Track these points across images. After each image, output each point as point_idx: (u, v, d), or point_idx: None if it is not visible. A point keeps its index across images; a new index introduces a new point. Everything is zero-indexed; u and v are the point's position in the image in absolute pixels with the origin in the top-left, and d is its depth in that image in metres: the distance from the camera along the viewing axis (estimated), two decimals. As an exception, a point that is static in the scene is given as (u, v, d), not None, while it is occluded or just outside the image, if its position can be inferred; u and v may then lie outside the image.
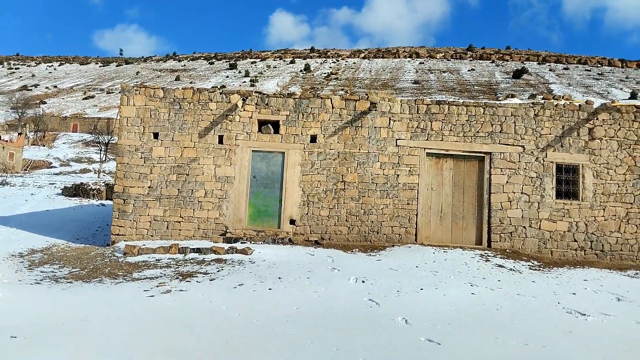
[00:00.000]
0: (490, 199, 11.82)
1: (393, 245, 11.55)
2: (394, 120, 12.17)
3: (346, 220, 12.00)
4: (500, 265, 10.05)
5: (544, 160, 11.76)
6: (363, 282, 8.28)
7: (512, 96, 13.50)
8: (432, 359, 5.15)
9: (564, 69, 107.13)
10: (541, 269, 10.26)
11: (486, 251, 11.27)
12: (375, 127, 12.18)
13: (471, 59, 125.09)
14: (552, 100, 12.10)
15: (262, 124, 12.37)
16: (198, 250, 10.30)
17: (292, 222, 12.01)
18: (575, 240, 11.61)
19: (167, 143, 12.20)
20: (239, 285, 7.95)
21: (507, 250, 11.47)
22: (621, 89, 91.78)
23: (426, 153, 12.09)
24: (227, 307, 6.92)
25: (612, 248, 11.54)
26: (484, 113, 12.00)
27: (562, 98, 12.26)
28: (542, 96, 13.57)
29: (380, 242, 11.82)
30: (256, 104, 12.35)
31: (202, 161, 12.20)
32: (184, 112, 12.27)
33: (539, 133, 11.80)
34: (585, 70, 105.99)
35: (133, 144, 12.22)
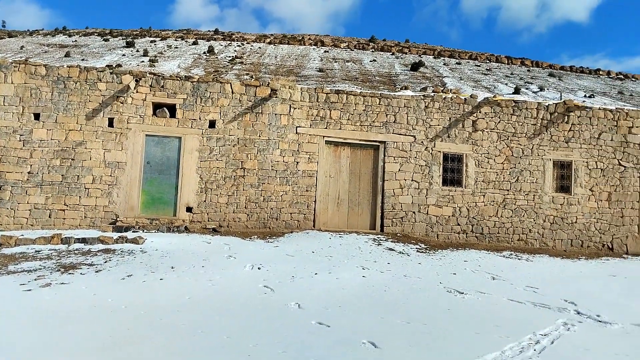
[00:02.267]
0: (384, 186, 12.37)
1: (292, 232, 11.69)
2: (295, 108, 12.25)
3: (245, 207, 11.92)
4: (390, 249, 10.59)
5: (432, 150, 12.52)
6: (259, 268, 8.31)
7: (406, 88, 14.18)
8: (321, 341, 5.31)
9: (457, 63, 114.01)
10: (427, 251, 10.97)
11: (379, 235, 11.81)
12: (275, 114, 12.18)
13: (373, 49, 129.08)
14: (441, 94, 12.89)
15: (157, 107, 11.84)
16: (84, 241, 9.67)
17: (189, 209, 11.70)
18: (459, 224, 12.54)
19: (50, 125, 11.26)
20: (128, 276, 7.61)
21: (398, 234, 12.11)
22: (506, 84, 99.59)
23: (325, 141, 12.33)
24: (113, 299, 6.59)
25: (491, 231, 12.63)
26: (379, 103, 12.47)
27: (451, 92, 13.10)
28: (432, 89, 14.39)
29: (280, 229, 11.91)
30: (151, 85, 11.79)
31: (89, 145, 11.43)
32: (70, 92, 11.38)
33: (429, 124, 12.53)
34: (476, 65, 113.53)
35: (10, 126, 11.14)
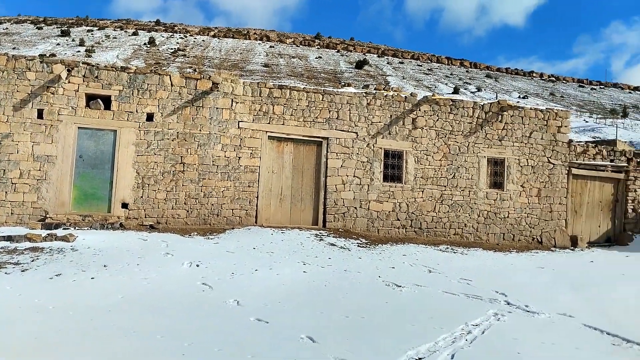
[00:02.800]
0: (327, 181, 12.44)
1: (233, 228, 11.52)
2: (237, 102, 12.06)
3: (185, 203, 11.63)
4: (332, 244, 10.67)
5: (374, 146, 12.71)
6: (197, 265, 8.12)
7: (349, 85, 14.30)
8: (259, 337, 5.26)
9: (400, 63, 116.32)
10: (368, 246, 11.14)
11: (321, 231, 11.86)
12: (217, 108, 11.94)
13: (319, 46, 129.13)
14: (383, 91, 13.10)
15: (90, 98, 11.32)
16: (9, 239, 9.09)
17: (125, 205, 11.27)
18: (399, 219, 12.82)
19: (-29, 115, 10.50)
20: (57, 275, 7.22)
21: (340, 230, 12.23)
22: (446, 84, 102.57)
23: (268, 136, 12.23)
24: (40, 300, 6.23)
25: (429, 226, 13.00)
26: (322, 100, 12.51)
27: (392, 90, 13.33)
28: (374, 86, 14.60)
29: (221, 225, 11.71)
30: (84, 76, 11.24)
31: (17, 138, 10.76)
32: (-6, 81, 10.65)
33: (371, 121, 12.71)
34: (418, 65, 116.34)
35: None
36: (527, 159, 13.62)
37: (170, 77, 11.81)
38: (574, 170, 13.88)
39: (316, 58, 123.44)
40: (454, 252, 11.50)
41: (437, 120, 13.14)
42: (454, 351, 5.12)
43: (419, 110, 13.02)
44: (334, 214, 12.43)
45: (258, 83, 12.37)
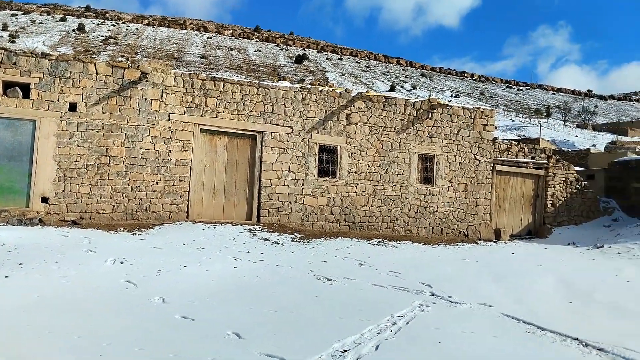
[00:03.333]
0: (261, 176, 12.33)
1: (163, 223, 11.17)
2: (167, 93, 11.67)
3: (111, 198, 11.14)
4: (265, 239, 10.61)
5: (309, 141, 12.74)
6: (122, 263, 7.80)
7: (284, 79, 14.23)
8: (183, 335, 5.12)
9: (339, 59, 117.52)
10: (302, 240, 11.17)
11: (255, 226, 11.76)
12: (146, 99, 11.49)
13: (258, 39, 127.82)
14: (318, 86, 13.16)
15: (8, 86, 10.56)
16: None
17: (45, 200, 10.62)
18: (333, 214, 12.95)
19: None
20: (-36, 275, 6.69)
21: (275, 225, 12.18)
22: (383, 81, 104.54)
23: (200, 129, 11.93)
24: (-58, 302, 5.75)
25: (362, 220, 13.22)
26: (257, 93, 12.37)
27: (327, 85, 13.41)
28: (310, 81, 14.63)
29: (150, 221, 11.32)
30: (1, 62, 10.47)
31: None
32: None
33: (306, 116, 12.72)
34: (356, 62, 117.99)
35: None
36: (455, 156, 14.16)
37: (95, 66, 11.23)
38: (498, 167, 14.59)
39: (255, 51, 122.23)
40: (385, 246, 11.77)
41: (371, 116, 13.36)
42: (379, 342, 5.23)
43: (354, 106, 13.18)
44: (268, 209, 12.36)
45: (190, 74, 12.04)
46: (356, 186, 13.19)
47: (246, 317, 5.90)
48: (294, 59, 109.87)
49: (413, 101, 13.88)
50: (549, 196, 15.18)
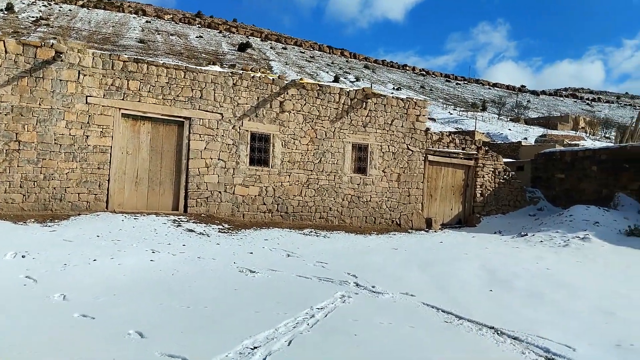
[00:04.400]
0: (189, 164, 11.80)
1: (79, 214, 10.44)
2: (85, 75, 10.87)
3: (21, 187, 10.26)
4: (190, 230, 10.13)
5: (240, 129, 12.30)
6: (23, 257, 7.13)
7: (214, 63, 13.67)
8: (78, 336, 4.66)
9: (283, 48, 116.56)
10: (230, 231, 10.78)
11: (182, 216, 11.24)
12: (61, 80, 10.65)
13: (200, 25, 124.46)
14: (250, 72, 12.71)
15: None
16: None
17: (-59, 188, 9.63)
18: (265, 204, 12.62)
19: None
20: None
21: (203, 215, 11.70)
22: (327, 72, 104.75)
23: (122, 114, 11.22)
24: None
25: (295, 210, 12.98)
26: (184, 77, 11.78)
27: (259, 71, 13.00)
28: (241, 66, 14.16)
29: (65, 211, 10.54)
30: None
31: None
32: None
33: (237, 102, 12.26)
34: (301, 52, 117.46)
35: None
36: (388, 146, 14.18)
37: (4, 44, 10.26)
38: (430, 157, 14.76)
39: (197, 37, 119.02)
40: (317, 236, 11.59)
41: (305, 104, 13.09)
42: (293, 337, 5.00)
43: (287, 93, 12.86)
44: (196, 199, 11.85)
45: (110, 55, 11.27)
46: (289, 175, 12.92)
47: (154, 313, 5.49)
48: (237, 46, 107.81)
49: (347, 90, 13.73)
50: (479, 186, 15.55)
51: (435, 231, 14.22)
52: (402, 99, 14.48)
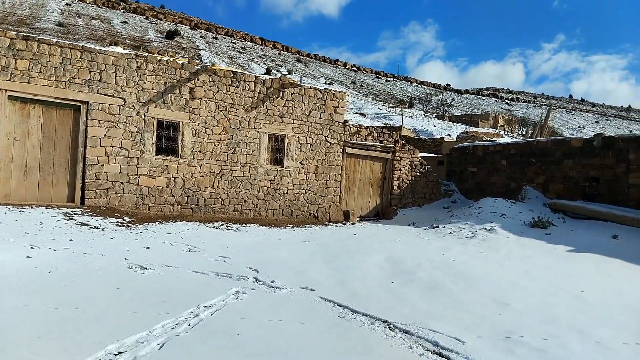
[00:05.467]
0: (86, 153, 10.88)
1: (-46, 206, 9.29)
2: (-37, 51, 9.67)
3: None
4: (83, 224, 9.30)
5: (145, 115, 11.52)
6: None
7: (116, 44, 12.75)
8: None
9: (214, 38, 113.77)
10: (130, 225, 10.04)
11: (77, 209, 10.34)
12: None
13: (125, 10, 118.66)
14: (156, 55, 11.93)
15: None
16: None
17: None
18: (173, 196, 11.93)
19: None
20: None
21: (102, 207, 10.85)
22: (259, 64, 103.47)
23: (8, 96, 10.11)
24: None
25: (207, 202, 12.39)
26: (81, 57, 10.82)
27: (167, 55, 12.23)
28: (147, 50, 13.30)
29: (-64, 203, 9.34)
30: None
31: None
32: None
33: (141, 87, 11.46)
34: (232, 42, 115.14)
35: None
36: (306, 137, 13.90)
37: None
38: (348, 149, 14.65)
39: (121, 22, 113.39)
40: (228, 229, 11.10)
41: (218, 92, 12.50)
42: (167, 339, 4.53)
43: (198, 79, 12.20)
44: (95, 190, 10.96)
45: (-7, 29, 10.12)
46: (200, 166, 12.29)
47: (14, 316, 4.83)
48: (165, 34, 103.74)
49: (263, 79, 13.28)
50: (396, 179, 15.67)
51: (352, 224, 14.14)
52: (319, 90, 14.24)
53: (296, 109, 13.70)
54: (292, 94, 13.62)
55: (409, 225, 13.74)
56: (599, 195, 12.88)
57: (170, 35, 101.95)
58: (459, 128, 50.77)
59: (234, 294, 6.19)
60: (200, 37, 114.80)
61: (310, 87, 14.10)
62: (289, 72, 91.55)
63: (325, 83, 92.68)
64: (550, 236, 11.01)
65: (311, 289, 6.65)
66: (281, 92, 13.43)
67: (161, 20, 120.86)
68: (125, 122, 11.27)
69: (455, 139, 30.93)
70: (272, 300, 6.07)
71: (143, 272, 6.91)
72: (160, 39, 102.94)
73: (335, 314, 5.70)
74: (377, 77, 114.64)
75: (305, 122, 13.87)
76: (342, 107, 14.55)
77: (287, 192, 13.65)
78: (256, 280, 6.93)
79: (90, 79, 10.87)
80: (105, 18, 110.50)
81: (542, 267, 8.63)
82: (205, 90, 12.29)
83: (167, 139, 11.87)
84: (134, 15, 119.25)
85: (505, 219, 12.15)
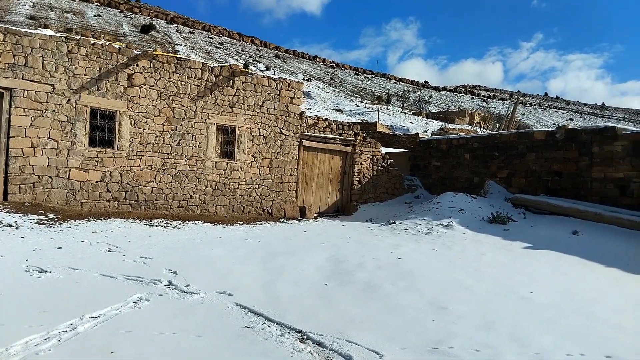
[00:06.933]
0: (10, 144, 9.94)
1: None
2: None
3: None
4: (-6, 221, 8.40)
5: (77, 104, 10.61)
6: None
7: (46, 27, 11.79)
8: None
9: (190, 32, 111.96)
10: (53, 222, 9.16)
11: (-5, 205, 9.40)
12: None
13: (99, 4, 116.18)
14: (90, 38, 11.02)
15: None
16: None
17: None
18: (109, 191, 11.05)
19: None
20: None
21: (27, 204, 9.92)
22: (237, 59, 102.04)
23: None
24: None
25: (147, 198, 11.53)
26: (4, 40, 9.86)
27: (103, 39, 11.34)
28: (80, 32, 12.36)
29: None
30: None
31: None
32: None
33: (73, 72, 10.55)
34: (209, 37, 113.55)
35: None
36: (259, 129, 13.12)
37: None
38: (306, 142, 13.92)
39: (95, 16, 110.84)
40: (166, 227, 10.27)
41: (160, 79, 11.63)
42: (22, 359, 3.76)
43: (137, 65, 11.32)
44: (19, 184, 10.03)
45: None
46: (140, 159, 11.43)
47: None
48: (140, 28, 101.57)
49: (212, 66, 12.44)
50: (356, 173, 15.00)
51: (308, 220, 13.41)
52: (274, 79, 13.46)
53: (248, 99, 12.90)
54: (243, 82, 12.82)
55: (366, 221, 13.07)
56: (562, 190, 12.37)
57: (146, 29, 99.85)
58: (436, 125, 50.53)
59: (134, 301, 5.41)
60: (177, 31, 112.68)
61: (264, 76, 13.31)
62: (267, 68, 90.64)
63: (304, 79, 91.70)
64: (508, 232, 10.43)
65: (229, 294, 5.90)
66: (231, 81, 12.62)
67: (136, 14, 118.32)
68: (54, 110, 10.34)
69: (430, 135, 30.46)
70: (177, 309, 5.30)
71: (40, 276, 6.07)
72: (135, 32, 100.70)
73: (243, 324, 4.96)
74: (356, 73, 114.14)
75: (258, 113, 13.08)
76: (298, 98, 13.80)
77: (238, 187, 12.85)
78: (169, 285, 6.15)
79: (14, 63, 9.92)
80: (78, 11, 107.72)
81: (494, 265, 8.02)
82: (145, 77, 11.42)
83: (103, 130, 10.97)
84: (109, 8, 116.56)
85: (464, 214, 11.56)
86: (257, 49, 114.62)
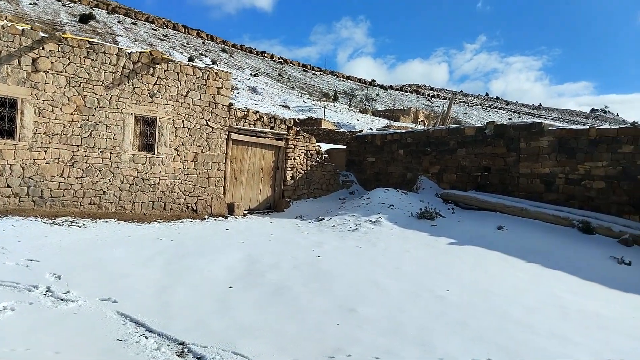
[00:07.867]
0: None
1: None
2: None
3: None
4: None
5: (-32, 89, 9.50)
6: None
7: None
8: None
9: (133, 23, 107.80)
10: None
11: None
12: None
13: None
14: (-15, 17, 9.92)
15: None
16: None
17: None
18: (9, 186, 9.99)
19: None
20: None
21: None
22: (182, 52, 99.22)
23: None
24: None
25: (54, 194, 10.54)
26: None
27: (5, 18, 10.26)
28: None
29: None
30: None
31: None
32: None
33: (-37, 54, 9.43)
34: (152, 29, 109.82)
35: None
36: (183, 120, 12.35)
37: None
38: (235, 136, 13.26)
39: (31, 4, 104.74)
40: (71, 225, 9.37)
41: (69, 64, 10.65)
42: None
43: (43, 49, 10.30)
44: None
45: None
46: (46, 151, 10.42)
47: None
48: (79, 17, 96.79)
49: (129, 52, 11.56)
50: (289, 169, 14.49)
51: (236, 217, 12.79)
52: (199, 68, 12.72)
53: (170, 89, 12.10)
54: (165, 70, 12.01)
55: (296, 218, 12.60)
56: (490, 185, 12.38)
57: (85, 19, 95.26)
58: (381, 122, 50.93)
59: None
60: (118, 22, 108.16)
61: (188, 65, 12.53)
62: (213, 62, 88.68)
63: (251, 74, 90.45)
64: (435, 228, 10.24)
65: (114, 301, 5.24)
66: (152, 68, 11.78)
67: (75, 3, 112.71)
68: (-61, 96, 9.21)
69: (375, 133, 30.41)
70: (45, 319, 4.61)
71: None
72: (73, 22, 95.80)
73: (118, 336, 4.34)
74: (304, 70, 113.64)
75: (182, 103, 12.31)
76: (226, 89, 13.11)
77: (158, 183, 12.04)
78: (47, 291, 5.41)
79: None
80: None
81: (415, 262, 7.74)
82: (52, 62, 10.42)
83: (2, 119, 9.91)
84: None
85: (394, 210, 11.30)
86: (204, 43, 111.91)
